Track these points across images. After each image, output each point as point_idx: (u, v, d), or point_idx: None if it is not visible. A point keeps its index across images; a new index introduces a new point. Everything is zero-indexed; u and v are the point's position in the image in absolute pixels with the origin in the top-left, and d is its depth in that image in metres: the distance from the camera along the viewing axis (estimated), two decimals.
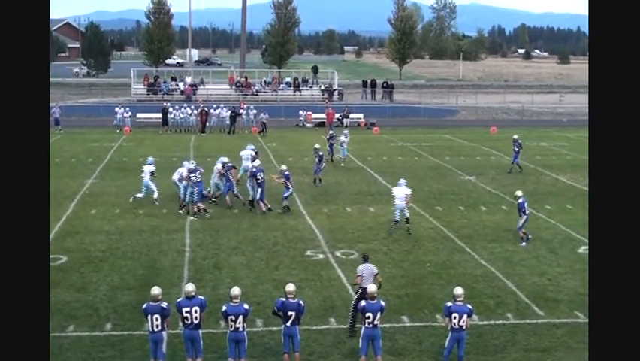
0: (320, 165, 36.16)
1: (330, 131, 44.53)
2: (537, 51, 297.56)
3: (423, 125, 64.96)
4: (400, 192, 26.94)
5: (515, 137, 40.90)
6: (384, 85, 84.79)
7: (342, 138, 41.96)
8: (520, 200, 26.48)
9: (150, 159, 33.37)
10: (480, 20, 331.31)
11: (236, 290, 15.58)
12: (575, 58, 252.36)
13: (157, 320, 15.18)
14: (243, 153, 34.79)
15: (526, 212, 26.47)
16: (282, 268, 22.99)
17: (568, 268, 23.23)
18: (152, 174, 31.93)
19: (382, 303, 15.83)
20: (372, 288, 15.92)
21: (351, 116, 63.07)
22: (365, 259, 18.64)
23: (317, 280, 21.88)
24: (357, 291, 17.97)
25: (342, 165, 41.47)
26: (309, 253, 24.70)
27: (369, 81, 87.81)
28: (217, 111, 58.82)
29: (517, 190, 28.12)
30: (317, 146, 37.40)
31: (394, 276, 22.36)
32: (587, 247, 24.55)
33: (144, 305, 15.51)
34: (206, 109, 57.91)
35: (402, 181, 27.55)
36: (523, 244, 26.12)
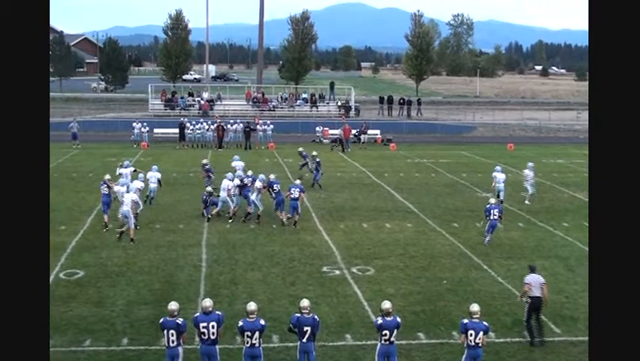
0: (318, 172, 38.34)
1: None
2: (554, 68, 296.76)
3: (440, 141, 64.93)
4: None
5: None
6: (418, 101, 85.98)
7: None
8: (487, 206, 28.25)
9: (155, 167, 34.93)
10: (497, 37, 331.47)
11: (252, 306, 15.61)
12: None
13: (172, 335, 15.24)
14: (236, 164, 35.20)
15: (492, 217, 28.01)
16: (298, 284, 23.00)
17: (585, 285, 23.04)
18: (158, 181, 33.87)
19: (398, 320, 15.82)
20: (386, 305, 15.90)
21: (369, 132, 63.14)
22: (532, 270, 19.15)
23: (333, 297, 21.87)
24: (527, 301, 18.70)
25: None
26: (325, 269, 24.71)
27: (386, 97, 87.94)
28: (234, 127, 59.03)
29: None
30: (314, 153, 39.32)
31: (411, 293, 22.34)
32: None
33: (161, 320, 15.58)
34: (223, 124, 58.11)
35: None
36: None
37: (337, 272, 24.37)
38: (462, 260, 26.14)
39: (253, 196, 31.45)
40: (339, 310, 20.72)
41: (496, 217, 28.17)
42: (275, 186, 31.07)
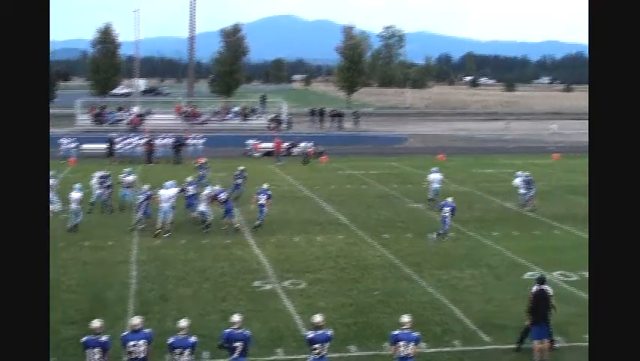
0: (240, 186, 39.27)
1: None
2: (484, 79, 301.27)
3: (371, 153, 65.32)
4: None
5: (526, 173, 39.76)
6: (355, 113, 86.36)
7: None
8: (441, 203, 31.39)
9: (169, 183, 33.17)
10: (428, 48, 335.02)
11: (183, 322, 15.49)
12: (521, 85, 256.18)
13: (96, 354, 14.97)
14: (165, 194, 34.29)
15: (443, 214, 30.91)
16: (229, 299, 22.89)
17: (514, 293, 23.38)
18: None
19: (329, 333, 15.83)
20: (317, 318, 15.90)
21: (300, 144, 63.21)
22: (542, 281, 19.18)
23: (264, 311, 21.82)
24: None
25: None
26: (256, 283, 24.63)
27: (317, 109, 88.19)
28: (163, 142, 58.62)
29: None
30: (242, 168, 40.38)
31: (342, 305, 22.39)
32: (534, 272, 24.93)
33: (84, 339, 15.29)
34: (152, 139, 57.65)
35: None
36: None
37: (268, 286, 24.33)
38: (393, 271, 26.31)
39: (202, 207, 32.26)
40: (271, 325, 20.66)
41: (446, 214, 30.66)
42: (221, 195, 32.12)
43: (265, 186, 34.18)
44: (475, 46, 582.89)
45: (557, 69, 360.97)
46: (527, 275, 25.44)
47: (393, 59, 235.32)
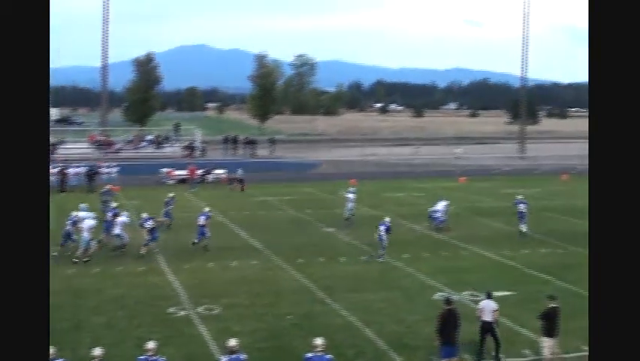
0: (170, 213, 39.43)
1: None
2: (393, 105, 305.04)
3: (285, 179, 65.38)
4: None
5: (519, 197, 40.30)
6: (271, 140, 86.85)
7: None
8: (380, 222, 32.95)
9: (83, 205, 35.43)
10: (339, 76, 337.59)
11: (97, 351, 15.28)
12: (429, 111, 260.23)
13: None
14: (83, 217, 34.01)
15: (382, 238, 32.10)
16: (144, 326, 22.60)
17: (424, 314, 23.66)
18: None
19: (243, 357, 15.76)
20: (231, 343, 15.83)
21: (215, 171, 62.99)
22: (489, 296, 20.40)
23: (179, 337, 21.62)
24: (481, 326, 19.98)
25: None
26: (171, 309, 24.39)
27: (231, 137, 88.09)
28: (77, 170, 57.78)
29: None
30: (171, 195, 40.80)
31: (257, 329, 22.34)
32: (445, 293, 25.26)
33: None
34: (64, 168, 56.73)
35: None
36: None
37: (183, 312, 24.11)
38: (306, 295, 26.37)
39: (117, 230, 32.96)
40: (185, 351, 20.48)
41: (382, 233, 32.16)
42: (146, 223, 32.70)
43: (206, 209, 35.53)
44: (385, 73, 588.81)
45: (464, 95, 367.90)
46: (437, 296, 25.78)
47: (305, 86, 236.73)
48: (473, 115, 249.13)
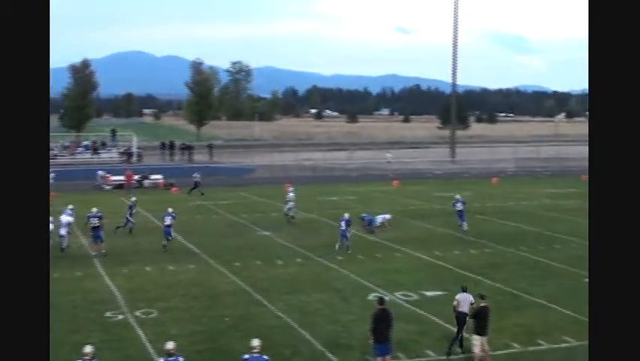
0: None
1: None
2: (328, 111, 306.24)
3: (221, 184, 65.06)
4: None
5: (457, 196, 42.24)
6: (209, 146, 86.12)
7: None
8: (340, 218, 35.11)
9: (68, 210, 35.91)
10: (274, 83, 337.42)
11: (87, 348, 15.42)
12: (363, 117, 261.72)
13: None
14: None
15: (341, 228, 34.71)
16: (81, 331, 22.28)
17: (359, 314, 23.76)
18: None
19: (180, 360, 15.65)
20: (169, 345, 15.71)
21: (151, 177, 62.50)
22: (464, 290, 21.02)
23: (117, 341, 21.38)
24: (456, 317, 20.68)
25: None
26: (108, 314, 24.11)
27: (167, 142, 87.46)
28: None
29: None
30: (134, 199, 41.55)
31: (194, 332, 22.20)
32: (377, 294, 25.41)
33: None
34: None
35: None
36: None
37: (120, 316, 23.86)
38: (243, 297, 26.30)
39: (62, 231, 33.78)
40: (123, 354, 20.28)
41: (343, 227, 34.19)
42: (92, 220, 33.57)
43: (170, 210, 36.34)
44: (319, 80, 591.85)
45: (396, 101, 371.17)
46: (371, 296, 25.90)
47: (241, 93, 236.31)
48: (406, 120, 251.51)
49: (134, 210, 39.67)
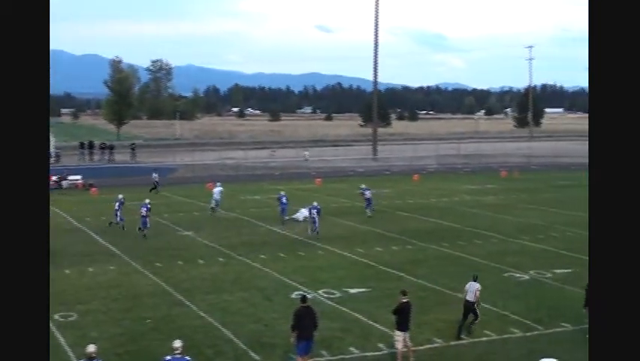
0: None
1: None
2: (250, 109, 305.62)
3: (142, 184, 64.24)
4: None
5: (362, 185, 47.07)
6: (131, 146, 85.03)
7: None
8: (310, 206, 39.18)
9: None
10: (195, 81, 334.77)
11: (91, 348, 15.42)
12: (285, 115, 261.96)
13: None
14: None
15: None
16: None
17: (282, 313, 23.71)
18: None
19: None
20: (90, 348, 15.47)
21: (70, 177, 61.45)
22: (474, 279, 22.05)
23: None
24: (463, 304, 21.82)
25: None
26: None
27: (86, 142, 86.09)
28: None
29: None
30: (121, 196, 41.96)
31: (114, 334, 21.88)
32: (300, 292, 25.43)
33: None
34: None
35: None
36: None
37: None
38: (165, 298, 26.04)
39: None
40: None
41: (315, 216, 38.22)
42: None
43: (147, 200, 39.35)
44: (240, 78, 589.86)
45: (318, 99, 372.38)
46: (294, 295, 25.89)
47: (162, 91, 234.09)
48: (328, 118, 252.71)
49: (120, 209, 40.65)
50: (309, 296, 20.95)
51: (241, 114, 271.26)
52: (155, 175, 57.79)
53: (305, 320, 18.96)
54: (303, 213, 41.41)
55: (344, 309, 24.44)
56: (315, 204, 38.98)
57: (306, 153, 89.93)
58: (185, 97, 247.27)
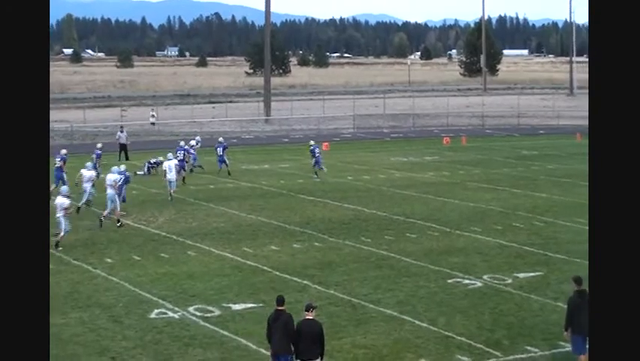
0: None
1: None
2: (89, 51, 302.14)
3: None
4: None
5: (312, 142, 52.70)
6: None
7: None
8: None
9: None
10: None
11: None
12: (140, 59, 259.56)
13: None
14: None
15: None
16: None
17: (138, 340, 23.44)
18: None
19: None
20: None
21: None
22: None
23: None
24: None
25: None
26: None
27: None
28: None
29: None
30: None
31: None
32: (164, 310, 25.26)
33: None
34: None
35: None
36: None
37: None
38: None
39: None
40: None
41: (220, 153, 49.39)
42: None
43: (122, 167, 42.50)
44: (76, 7, 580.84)
45: (188, 37, 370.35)
46: (154, 314, 25.65)
47: None
48: (201, 64, 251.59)
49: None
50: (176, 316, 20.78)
51: (77, 58, 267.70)
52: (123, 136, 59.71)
53: (279, 332, 18.67)
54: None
55: (224, 333, 24.25)
56: (220, 139, 45.51)
57: (152, 112, 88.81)
58: None
